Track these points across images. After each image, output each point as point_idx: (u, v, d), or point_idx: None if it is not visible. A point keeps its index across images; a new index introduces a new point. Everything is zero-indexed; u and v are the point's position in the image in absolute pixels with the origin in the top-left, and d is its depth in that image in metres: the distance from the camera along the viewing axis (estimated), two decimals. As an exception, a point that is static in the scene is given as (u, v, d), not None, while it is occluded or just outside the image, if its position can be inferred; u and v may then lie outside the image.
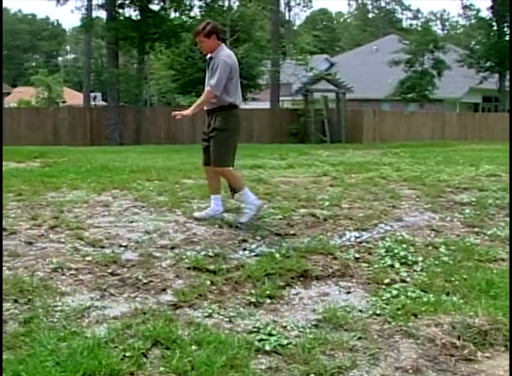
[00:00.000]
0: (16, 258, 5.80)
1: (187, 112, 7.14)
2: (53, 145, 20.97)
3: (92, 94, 48.33)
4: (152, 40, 32.23)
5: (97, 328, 4.46)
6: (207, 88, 7.06)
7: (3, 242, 6.25)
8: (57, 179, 9.90)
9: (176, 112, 7.25)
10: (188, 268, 5.54)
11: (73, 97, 58.59)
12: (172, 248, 6.05)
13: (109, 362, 3.88)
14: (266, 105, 40.75)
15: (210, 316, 4.66)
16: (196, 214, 7.40)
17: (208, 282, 5.23)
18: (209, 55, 7.16)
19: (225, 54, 7.10)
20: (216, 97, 7.03)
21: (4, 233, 6.55)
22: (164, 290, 5.13)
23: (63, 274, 5.41)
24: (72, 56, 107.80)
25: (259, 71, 38.72)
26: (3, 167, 11.35)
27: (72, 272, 5.46)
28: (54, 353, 4.02)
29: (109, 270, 5.49)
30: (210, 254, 5.87)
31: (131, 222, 7.05)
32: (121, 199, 8.33)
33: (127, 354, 4.03)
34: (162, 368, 3.91)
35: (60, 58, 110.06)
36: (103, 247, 6.07)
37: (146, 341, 4.20)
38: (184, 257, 5.77)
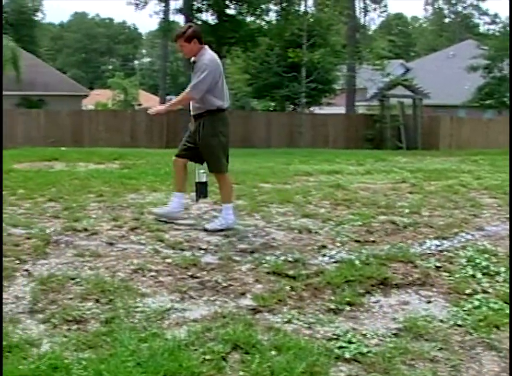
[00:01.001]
0: (97, 258, 5.88)
1: (161, 108, 7.22)
2: (130, 147, 21.24)
3: (167, 97, 48.82)
4: (229, 44, 32.45)
5: (177, 330, 4.47)
6: (190, 89, 6.95)
7: (85, 242, 6.36)
8: (136, 181, 10.01)
9: (152, 109, 7.28)
10: (268, 273, 5.51)
11: (149, 100, 59.36)
12: (252, 252, 6.05)
13: (189, 365, 3.88)
14: (341, 110, 40.56)
15: (289, 321, 4.62)
16: (154, 209, 7.53)
17: (288, 288, 5.19)
18: (192, 59, 7.08)
19: (208, 58, 6.96)
20: (198, 100, 6.97)
21: (85, 234, 6.67)
22: (243, 294, 5.12)
23: (143, 276, 5.46)
24: (148, 59, 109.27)
25: (335, 76, 38.50)
26: (83, 168, 11.56)
27: (153, 273, 5.50)
28: (135, 353, 4.04)
29: (189, 273, 5.51)
30: (289, 259, 5.82)
31: (211, 225, 7.05)
32: (200, 202, 8.35)
33: (207, 357, 4.03)
34: (241, 373, 3.90)
35: (136, 62, 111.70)
36: (183, 250, 6.11)
37: (225, 345, 4.19)
38: (263, 261, 5.74)
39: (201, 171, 7.41)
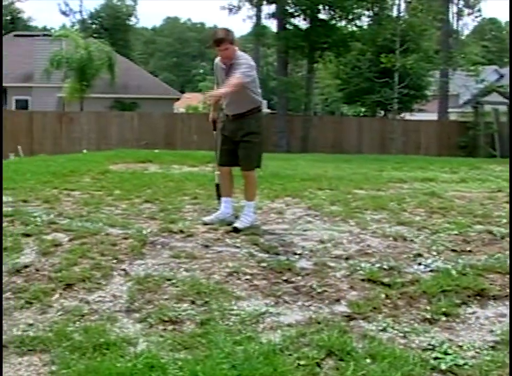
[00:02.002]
0: (193, 260, 5.94)
1: (218, 93, 6.97)
2: (221, 150, 21.39)
3: (258, 102, 49.05)
4: (322, 49, 32.42)
5: (272, 334, 4.48)
6: (238, 76, 6.79)
7: (181, 244, 6.43)
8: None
9: (210, 95, 7.18)
10: (363, 280, 5.46)
11: (239, 104, 59.66)
12: (347, 258, 5.99)
13: (284, 370, 3.89)
14: (432, 116, 39.93)
15: (384, 330, 4.57)
16: (205, 218, 7.36)
17: (383, 295, 5.14)
18: (231, 62, 6.98)
19: (246, 56, 7.07)
20: (239, 99, 6.96)
21: (181, 235, 6.74)
22: (338, 300, 5.09)
23: (238, 279, 5.49)
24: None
25: (427, 82, 37.96)
26: (177, 170, 11.70)
27: (248, 277, 5.52)
28: (230, 356, 4.07)
29: (284, 277, 5.51)
30: (384, 266, 5.75)
31: (305, 230, 7.03)
32: (294, 207, 8.35)
33: (302, 362, 4.03)
34: (336, 380, 3.88)
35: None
36: (277, 254, 6.10)
37: (320, 351, 4.18)
38: (358, 268, 5.69)
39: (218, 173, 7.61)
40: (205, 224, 7.19)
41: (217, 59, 7.24)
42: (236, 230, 6.89)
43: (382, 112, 38.27)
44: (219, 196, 7.55)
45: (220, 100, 7.29)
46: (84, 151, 21.84)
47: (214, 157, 7.43)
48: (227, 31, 6.98)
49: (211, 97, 7.12)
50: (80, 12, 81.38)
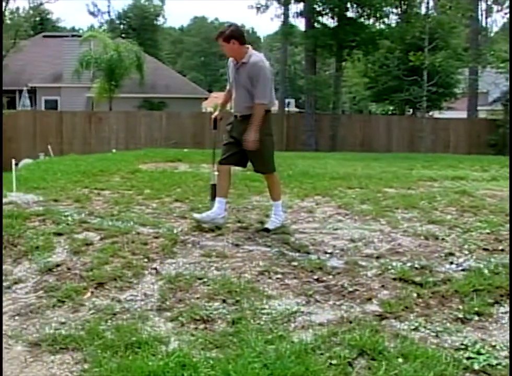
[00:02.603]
0: (224, 259, 5.95)
1: (253, 136, 6.74)
2: (250, 150, 21.41)
3: (286, 100, 49.00)
4: (350, 47, 32.32)
5: (303, 333, 4.48)
6: (257, 101, 6.77)
7: (211, 243, 6.44)
8: (260, 183, 9.99)
9: (250, 143, 6.80)
10: (394, 279, 5.43)
11: (267, 104, 59.56)
12: (378, 257, 5.96)
13: (316, 369, 3.88)
14: (462, 114, 39.63)
15: (416, 329, 4.55)
16: (197, 215, 7.21)
17: (414, 295, 5.11)
18: (242, 60, 6.88)
19: (260, 59, 6.87)
20: (249, 100, 6.85)
21: (212, 234, 6.75)
22: (369, 299, 5.07)
23: (269, 278, 5.49)
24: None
25: (456, 79, 37.68)
26: (207, 170, 11.65)
27: (278, 276, 5.52)
28: (262, 355, 4.07)
29: (315, 276, 5.50)
30: (416, 265, 5.71)
31: (336, 229, 7.01)
32: (325, 205, 8.32)
33: (333, 362, 4.03)
34: (368, 380, 3.87)
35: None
36: (308, 253, 6.09)
37: (351, 350, 4.17)
38: (389, 267, 5.66)
39: (217, 173, 7.43)
40: (196, 221, 7.10)
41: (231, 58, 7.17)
42: (267, 230, 6.88)
43: (411, 110, 38.04)
44: (213, 197, 7.36)
45: (228, 102, 7.48)
46: (114, 150, 21.93)
47: (219, 157, 7.20)
48: (227, 28, 6.90)
49: (251, 145, 6.78)
50: (108, 12, 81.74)
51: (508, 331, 4.52)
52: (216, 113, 7.64)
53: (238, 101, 7.05)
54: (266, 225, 7.00)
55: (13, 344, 4.53)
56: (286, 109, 43.21)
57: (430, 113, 36.77)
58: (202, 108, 44.30)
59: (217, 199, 7.17)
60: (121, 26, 75.15)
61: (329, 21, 33.43)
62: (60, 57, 36.25)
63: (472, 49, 39.20)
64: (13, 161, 10.97)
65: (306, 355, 4.06)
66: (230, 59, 7.14)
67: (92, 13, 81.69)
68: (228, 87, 7.39)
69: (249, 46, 6.94)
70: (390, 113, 41.22)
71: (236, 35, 6.83)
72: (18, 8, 43.74)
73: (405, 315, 4.78)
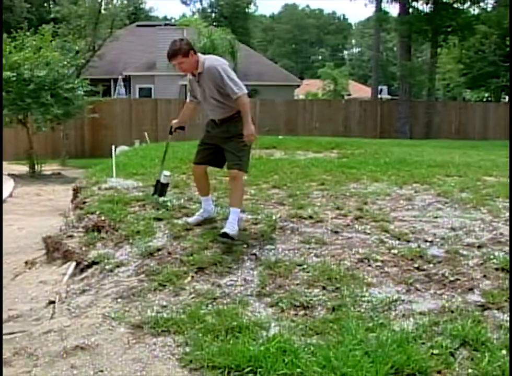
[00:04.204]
0: (323, 246, 5.94)
1: (251, 128, 6.36)
2: (342, 137, 21.34)
3: (379, 87, 48.56)
4: (446, 33, 31.71)
5: (404, 322, 4.45)
6: (238, 94, 6.29)
7: (310, 229, 6.44)
8: (357, 170, 9.97)
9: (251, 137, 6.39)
10: (496, 269, 5.31)
11: (358, 91, 59.20)
12: (479, 247, 5.84)
13: (417, 358, 3.85)
14: None
15: (521, 321, 4.46)
16: (189, 219, 6.84)
17: (518, 285, 5.01)
18: (198, 71, 6.35)
19: (211, 60, 6.37)
20: (225, 104, 6.42)
21: (311, 221, 6.74)
22: (471, 289, 4.99)
23: (369, 265, 5.46)
24: (357, 49, 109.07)
25: None
26: (302, 156, 11.71)
27: (378, 264, 5.48)
28: (363, 343, 4.07)
29: (415, 265, 5.44)
30: (519, 255, 5.59)
31: (436, 217, 6.89)
32: (423, 193, 8.19)
33: (435, 351, 3.99)
34: (470, 370, 3.82)
35: (345, 52, 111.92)
36: (408, 241, 6.02)
37: (453, 340, 4.12)
38: (491, 257, 5.54)
39: (167, 173, 7.59)
40: (188, 224, 6.74)
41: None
42: (225, 235, 6.11)
43: (506, 97, 37.14)
44: (159, 193, 7.56)
45: (189, 116, 7.26)
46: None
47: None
48: (180, 43, 6.27)
49: (252, 137, 6.39)
50: (200, 1, 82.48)
51: None
52: (174, 121, 7.35)
53: (213, 112, 6.59)
54: (224, 230, 6.18)
55: (116, 326, 4.66)
56: (379, 96, 42.84)
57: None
58: (294, 96, 44.23)
59: (202, 199, 7.00)
60: (213, 14, 75.80)
61: (423, 6, 32.91)
62: (153, 46, 36.66)
63: None
64: (113, 147, 11.21)
65: (408, 344, 4.03)
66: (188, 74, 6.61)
67: (184, 2, 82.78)
68: (188, 99, 7.04)
69: (198, 53, 6.41)
70: (484, 99, 40.35)
71: (191, 46, 6.35)
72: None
73: (507, 306, 4.68)
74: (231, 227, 6.13)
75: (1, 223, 7.18)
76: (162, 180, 7.55)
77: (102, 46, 33.23)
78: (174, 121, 7.33)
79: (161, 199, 7.62)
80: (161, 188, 7.56)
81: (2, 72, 18.36)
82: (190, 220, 6.83)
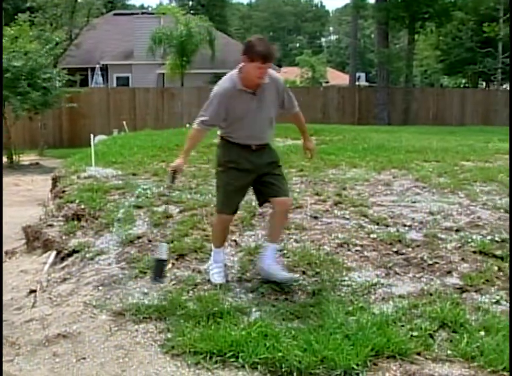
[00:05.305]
0: (303, 231, 5.99)
1: (312, 143, 5.49)
2: (321, 123, 21.36)
3: (357, 74, 48.60)
4: (423, 19, 31.73)
5: (383, 305, 4.50)
6: (297, 109, 5.26)
7: (290, 215, 6.42)
8: (335, 156, 10.01)
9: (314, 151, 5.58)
10: (474, 252, 5.39)
11: (336, 78, 59.12)
12: (457, 230, 5.90)
13: (397, 341, 3.91)
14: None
15: (498, 302, 4.56)
16: (217, 281, 5.09)
17: (495, 268, 5.09)
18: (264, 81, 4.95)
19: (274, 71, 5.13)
20: (271, 126, 5.16)
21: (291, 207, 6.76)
22: (449, 272, 5.06)
23: (348, 250, 5.50)
24: (335, 37, 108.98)
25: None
26: (281, 143, 11.72)
27: (358, 248, 5.53)
28: (343, 326, 4.12)
29: (394, 249, 5.50)
30: (496, 239, 5.64)
31: (414, 202, 6.95)
32: (402, 178, 8.24)
33: (414, 334, 4.06)
34: (449, 352, 3.89)
35: (323, 39, 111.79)
36: (387, 226, 6.07)
37: (432, 323, 4.19)
38: (469, 240, 5.61)
39: (165, 244, 5.12)
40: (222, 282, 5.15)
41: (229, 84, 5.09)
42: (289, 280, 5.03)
43: (484, 83, 37.31)
44: (158, 276, 4.95)
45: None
46: (188, 125, 22.12)
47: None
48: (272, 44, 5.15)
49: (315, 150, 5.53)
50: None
51: None
52: (180, 161, 5.07)
53: (260, 134, 5.12)
54: (284, 276, 5.02)
55: (98, 313, 4.68)
56: (357, 83, 42.89)
57: (504, 86, 36.00)
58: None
59: (219, 250, 5.29)
60: (190, 2, 75.33)
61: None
62: (130, 35, 36.50)
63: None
64: (92, 136, 11.18)
65: (388, 327, 4.09)
66: (229, 88, 5.09)
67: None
68: (203, 126, 5.31)
69: None
70: (462, 86, 40.51)
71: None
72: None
73: (486, 288, 4.77)
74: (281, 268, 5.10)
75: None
76: (163, 256, 4.96)
77: (78, 35, 32.90)
78: (179, 161, 5.08)
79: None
80: (162, 267, 4.98)
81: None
82: (219, 280, 5.07)
